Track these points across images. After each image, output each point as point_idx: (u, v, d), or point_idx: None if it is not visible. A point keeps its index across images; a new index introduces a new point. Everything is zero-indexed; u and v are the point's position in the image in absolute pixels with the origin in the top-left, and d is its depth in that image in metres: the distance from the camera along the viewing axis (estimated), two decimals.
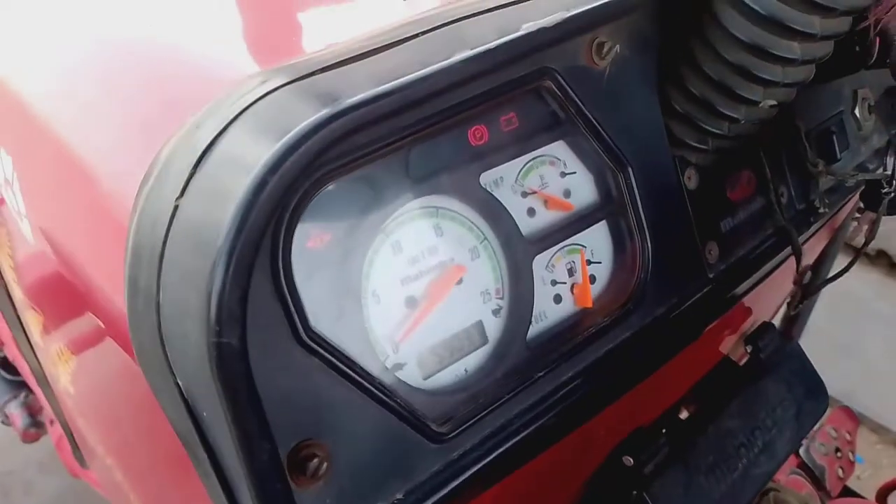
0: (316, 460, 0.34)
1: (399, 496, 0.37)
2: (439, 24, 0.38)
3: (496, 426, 0.41)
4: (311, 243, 0.36)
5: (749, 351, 0.70)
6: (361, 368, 0.36)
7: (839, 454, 1.07)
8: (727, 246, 0.53)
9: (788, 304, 0.69)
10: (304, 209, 0.34)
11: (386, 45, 0.37)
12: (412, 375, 0.39)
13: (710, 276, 0.51)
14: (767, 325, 0.72)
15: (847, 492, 1.10)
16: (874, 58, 0.56)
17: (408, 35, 0.37)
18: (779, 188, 0.56)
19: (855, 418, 1.13)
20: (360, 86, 0.34)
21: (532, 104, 0.44)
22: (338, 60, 0.36)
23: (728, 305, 0.55)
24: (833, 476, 1.06)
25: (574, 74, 0.43)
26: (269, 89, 0.35)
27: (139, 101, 0.48)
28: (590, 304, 0.46)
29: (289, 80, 0.36)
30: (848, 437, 1.10)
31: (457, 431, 0.39)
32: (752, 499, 0.64)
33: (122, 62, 0.53)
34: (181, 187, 0.32)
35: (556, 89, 0.43)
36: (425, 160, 0.40)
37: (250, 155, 0.30)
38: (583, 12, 0.39)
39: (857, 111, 0.62)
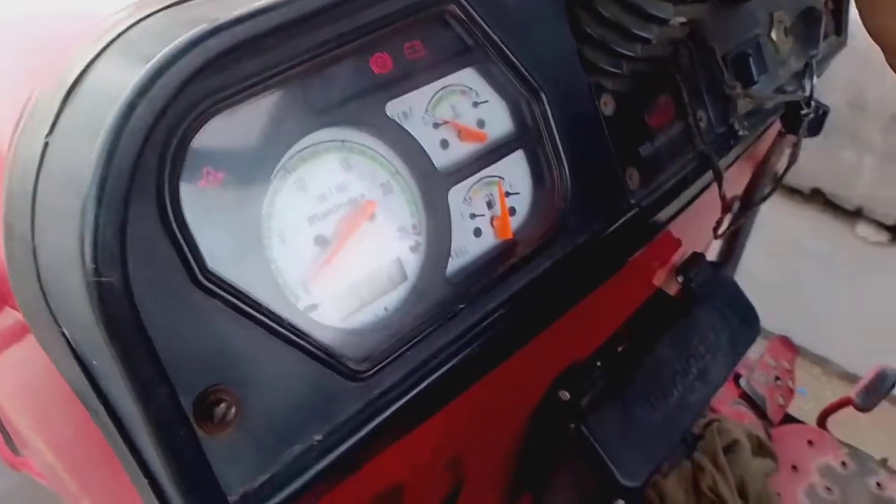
0: (223, 405, 0.32)
1: (318, 437, 0.36)
2: None
3: (418, 362, 0.40)
4: (205, 182, 0.34)
5: (681, 281, 0.71)
6: (269, 310, 0.34)
7: (779, 383, 1.10)
8: (648, 171, 0.52)
9: (713, 229, 0.70)
10: (190, 143, 0.32)
11: None
12: (328, 316, 0.38)
13: (632, 201, 0.51)
14: (697, 255, 0.73)
15: (789, 419, 1.13)
16: None
17: None
18: (697, 112, 0.56)
19: (793, 347, 1.16)
20: (241, 8, 0.32)
21: (438, 30, 0.42)
22: None
23: (652, 232, 0.54)
24: (774, 404, 1.09)
25: None
26: (142, 15, 0.32)
27: (17, 35, 0.45)
28: (510, 236, 0.45)
29: (165, 5, 0.33)
30: (787, 365, 1.13)
31: (376, 369, 0.38)
32: (691, 424, 0.65)
33: None
34: (50, 124, 0.30)
35: (461, 14, 0.41)
36: (325, 90, 0.38)
37: (119, 81, 0.28)
38: None
39: (773, 34, 0.63)
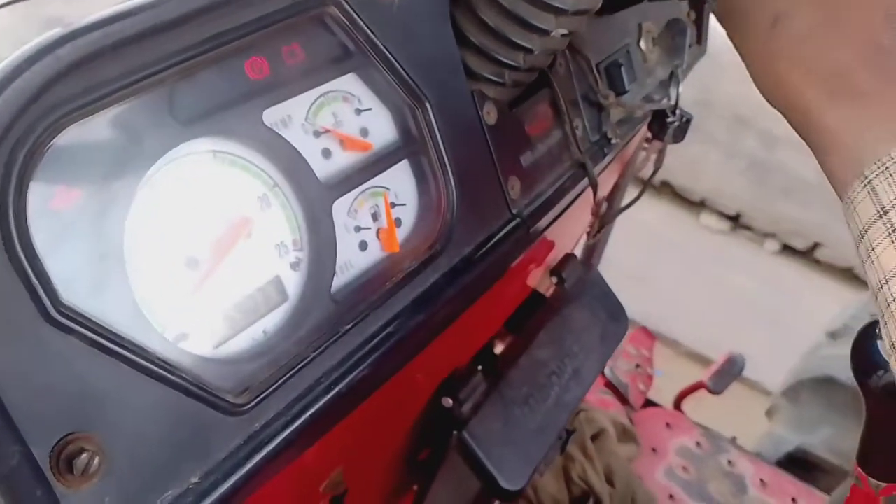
0: (85, 455, 0.29)
1: (195, 480, 0.33)
2: None
3: (302, 389, 0.37)
4: (56, 203, 0.30)
5: (555, 282, 0.72)
6: (132, 343, 0.31)
7: (639, 370, 1.17)
8: (529, 180, 0.52)
9: (588, 233, 0.72)
10: (40, 160, 0.28)
11: None
12: (199, 345, 0.35)
13: (514, 211, 0.51)
14: (570, 256, 0.75)
15: (649, 403, 1.20)
16: None
17: None
18: (574, 121, 0.57)
19: (651, 336, 1.23)
20: (100, 7, 0.28)
21: (317, 34, 0.40)
22: None
23: (532, 239, 0.55)
24: (636, 390, 1.16)
25: (361, 2, 0.40)
26: None
27: None
28: (397, 249, 0.43)
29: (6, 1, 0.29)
30: (646, 353, 1.20)
31: (257, 400, 0.35)
32: (567, 422, 0.67)
33: None
34: None
35: (342, 17, 0.39)
36: (194, 97, 0.34)
37: None
38: None
39: (641, 43, 0.65)
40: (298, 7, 0.36)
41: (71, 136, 0.30)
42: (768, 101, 0.42)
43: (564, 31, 0.46)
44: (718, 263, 2.47)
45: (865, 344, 0.53)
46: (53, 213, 0.29)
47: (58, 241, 0.29)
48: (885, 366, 0.51)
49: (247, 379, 0.36)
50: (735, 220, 2.57)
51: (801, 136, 0.41)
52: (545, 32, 0.46)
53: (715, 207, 2.58)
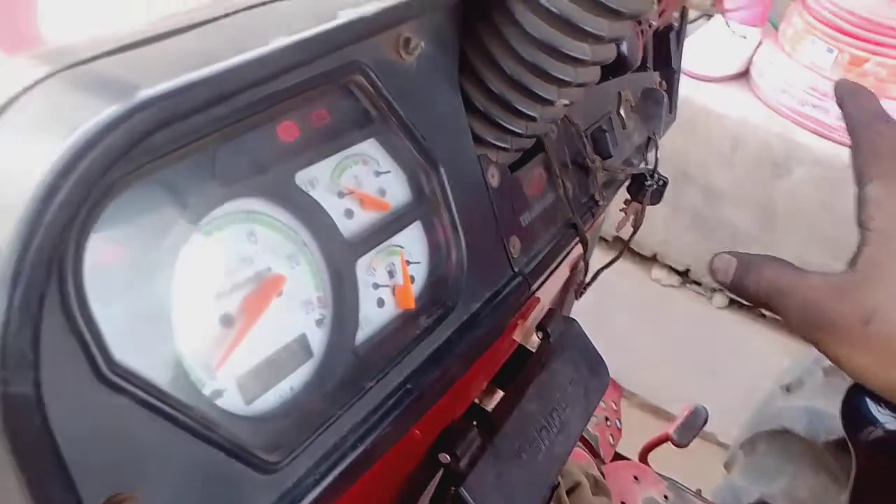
0: None
1: None
2: (245, 6, 0.34)
3: (329, 446, 0.38)
4: (105, 259, 0.30)
5: (540, 337, 0.74)
6: (176, 400, 0.31)
7: (608, 423, 1.19)
8: (528, 240, 0.55)
9: (575, 291, 0.74)
10: (95, 221, 0.29)
11: (184, 28, 0.32)
12: (233, 402, 0.35)
13: (516, 269, 0.53)
14: (553, 311, 0.77)
15: (617, 456, 1.22)
16: (639, 62, 0.62)
17: (210, 17, 0.33)
18: (565, 183, 0.60)
19: (619, 388, 1.26)
20: (158, 72, 0.29)
21: (343, 100, 0.41)
22: (126, 43, 0.31)
23: (529, 295, 0.57)
24: (605, 443, 1.17)
25: (384, 69, 0.42)
26: (38, 77, 0.29)
27: None
28: (412, 306, 0.45)
29: (63, 66, 0.30)
30: (614, 406, 1.22)
31: (288, 459, 0.36)
32: (556, 476, 0.68)
33: None
34: None
35: (367, 84, 0.41)
36: (233, 160, 0.36)
37: (29, 156, 0.25)
38: (397, 4, 0.38)
39: (621, 111, 0.69)
40: (331, 75, 0.38)
41: (122, 197, 0.30)
42: (888, 398, 0.41)
43: (566, 102, 0.49)
44: (669, 317, 2.54)
45: (855, 400, 0.56)
46: (104, 273, 0.30)
47: (107, 299, 0.30)
48: (874, 421, 0.54)
49: (277, 437, 0.36)
50: (684, 274, 2.65)
51: None
52: (549, 102, 0.49)
53: (664, 262, 2.67)
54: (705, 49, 2.29)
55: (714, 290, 2.63)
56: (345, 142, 0.42)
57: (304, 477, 0.36)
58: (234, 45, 0.32)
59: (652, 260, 2.71)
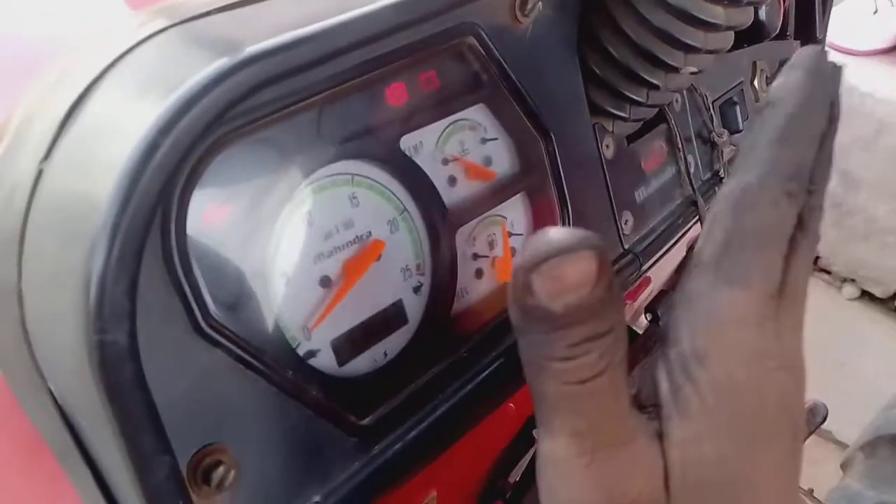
0: (222, 468, 0.29)
1: (317, 499, 0.33)
2: None
3: (420, 413, 0.37)
4: (209, 218, 0.31)
5: (649, 319, 0.70)
6: (271, 358, 0.32)
7: None
8: (641, 216, 0.52)
9: (681, 266, 0.70)
10: (199, 178, 0.29)
11: None
12: (326, 363, 0.35)
13: (626, 247, 0.50)
14: (665, 293, 0.73)
15: None
16: (778, 29, 0.56)
17: None
18: (687, 158, 0.56)
19: None
20: (266, 30, 0.29)
21: (453, 63, 0.40)
22: (233, 1, 0.31)
23: (639, 275, 0.54)
24: None
25: (497, 32, 0.40)
26: (149, 32, 0.29)
27: None
28: None
29: (174, 21, 0.30)
30: None
31: (378, 421, 0.35)
32: None
33: None
34: (45, 149, 0.26)
35: (479, 47, 0.39)
36: (339, 121, 0.35)
37: (134, 111, 0.25)
38: None
39: (755, 82, 0.63)
40: (442, 36, 0.37)
41: (227, 154, 0.31)
42: None
43: (693, 70, 0.46)
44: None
45: None
46: (206, 229, 0.30)
47: (209, 255, 0.30)
48: None
49: (367, 400, 0.36)
50: (813, 262, 2.48)
51: None
52: (674, 69, 0.45)
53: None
54: (852, 19, 2.09)
55: (844, 281, 2.44)
56: (453, 107, 0.40)
57: (392, 442, 0.36)
58: (344, 3, 0.31)
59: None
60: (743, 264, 0.26)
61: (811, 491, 1.15)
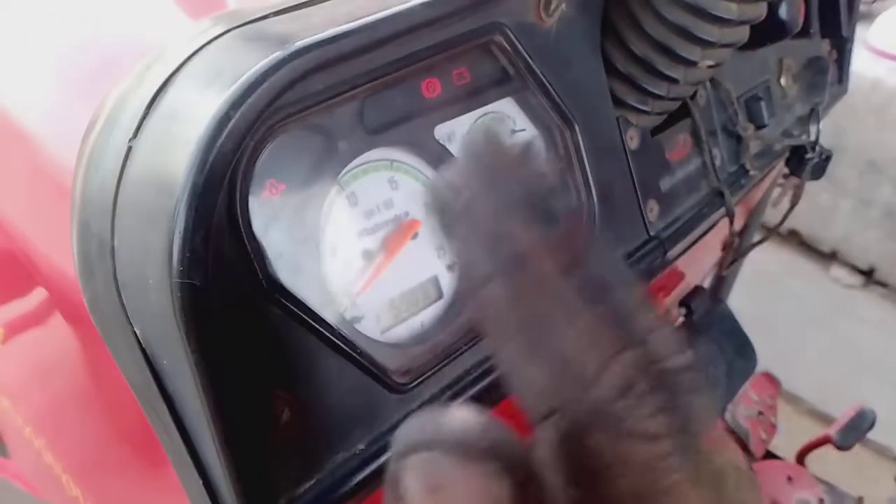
0: (287, 410, 0.33)
1: (361, 447, 0.37)
2: None
3: (453, 377, 0.41)
4: (268, 193, 0.35)
5: (683, 314, 0.73)
6: (322, 318, 0.36)
7: (761, 417, 1.13)
8: (667, 205, 0.54)
9: (719, 265, 0.72)
10: (260, 156, 0.34)
11: None
12: (370, 328, 0.39)
13: (652, 234, 0.53)
14: (699, 288, 0.75)
15: (768, 455, 1.16)
16: (800, 27, 0.59)
17: None
18: (712, 150, 0.59)
19: (776, 383, 1.19)
20: (314, 27, 0.33)
21: (483, 59, 0.44)
22: (286, 6, 0.36)
23: (665, 264, 0.57)
24: (757, 439, 1.12)
25: (523, 30, 0.44)
26: (216, 34, 0.34)
27: (75, 62, 0.46)
28: None
29: (236, 24, 0.35)
30: (769, 401, 1.15)
31: (416, 382, 0.39)
32: None
33: (56, 24, 0.50)
34: (134, 129, 0.31)
35: (506, 45, 0.43)
36: (380, 111, 0.39)
37: (206, 97, 0.30)
38: None
39: (782, 80, 0.66)
40: (472, 35, 0.41)
41: (284, 137, 0.35)
42: None
43: (711, 63, 0.49)
44: (847, 319, 2.33)
45: None
46: (265, 202, 0.35)
47: (268, 225, 0.35)
48: None
49: (408, 363, 0.40)
50: (868, 274, 2.42)
51: None
52: (692, 64, 0.48)
53: (846, 260, 2.45)
54: None
55: None
56: (483, 99, 0.44)
57: (429, 400, 0.39)
58: (384, 3, 0.35)
59: (830, 257, 2.50)
60: None
61: (861, 500, 1.14)
